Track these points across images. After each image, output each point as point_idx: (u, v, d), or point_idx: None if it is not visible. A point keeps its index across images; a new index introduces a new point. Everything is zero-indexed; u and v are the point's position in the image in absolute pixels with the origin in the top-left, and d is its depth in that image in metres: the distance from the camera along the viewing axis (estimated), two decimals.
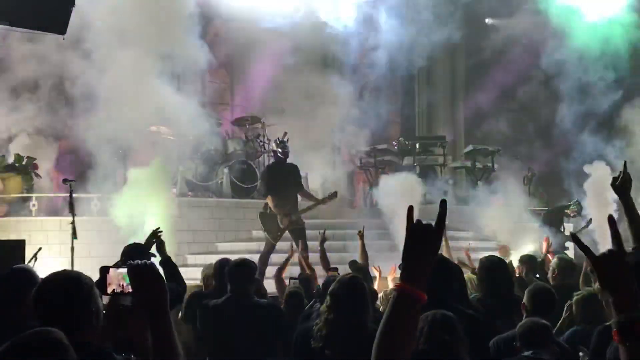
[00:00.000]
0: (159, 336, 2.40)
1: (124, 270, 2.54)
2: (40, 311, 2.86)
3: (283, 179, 11.20)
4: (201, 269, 7.81)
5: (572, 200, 13.89)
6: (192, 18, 12.82)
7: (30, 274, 4.22)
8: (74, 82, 12.57)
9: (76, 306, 2.80)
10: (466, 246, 9.32)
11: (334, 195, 11.43)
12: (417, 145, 17.58)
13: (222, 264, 6.43)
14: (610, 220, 2.17)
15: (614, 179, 4.22)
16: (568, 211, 13.78)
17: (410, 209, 2.13)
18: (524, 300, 4.73)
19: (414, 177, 14.32)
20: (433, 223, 2.13)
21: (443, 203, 2.14)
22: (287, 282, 7.88)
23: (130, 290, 2.49)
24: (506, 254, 10.59)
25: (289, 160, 11.71)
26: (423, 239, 2.11)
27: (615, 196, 4.23)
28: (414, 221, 2.12)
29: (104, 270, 2.60)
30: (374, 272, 8.92)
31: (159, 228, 6.20)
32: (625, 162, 4.34)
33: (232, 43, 16.54)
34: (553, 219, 13.73)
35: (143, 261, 2.48)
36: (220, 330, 5.55)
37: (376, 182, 17.62)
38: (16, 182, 12.73)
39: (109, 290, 2.62)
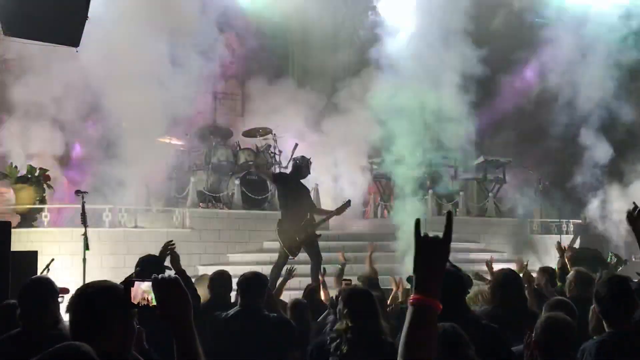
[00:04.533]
0: (184, 349, 2.42)
1: (148, 283, 2.55)
2: (72, 320, 2.85)
3: (299, 194, 11.20)
4: None
5: (609, 254, 13.18)
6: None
7: (50, 283, 4.32)
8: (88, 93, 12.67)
9: (108, 316, 2.78)
10: (489, 258, 9.29)
11: (347, 204, 11.39)
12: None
13: (216, 276, 6.50)
14: None
15: (630, 213, 4.23)
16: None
17: (417, 222, 2.18)
18: (535, 335, 4.13)
19: None
20: (440, 235, 2.19)
21: (449, 214, 2.20)
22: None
23: (155, 304, 2.51)
24: (521, 268, 10.55)
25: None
26: (431, 251, 2.17)
27: None
28: (421, 234, 2.18)
29: (128, 284, 2.60)
30: (392, 284, 8.93)
31: (171, 241, 6.22)
32: None
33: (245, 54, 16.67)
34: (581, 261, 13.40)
35: (168, 275, 2.50)
36: (230, 344, 5.52)
37: (387, 193, 17.67)
38: (28, 193, 12.78)
39: (134, 303, 2.63)
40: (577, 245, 16.08)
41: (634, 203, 4.27)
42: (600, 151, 16.80)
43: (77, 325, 2.73)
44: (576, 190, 16.66)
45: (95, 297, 2.76)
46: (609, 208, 16.05)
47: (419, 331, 2.12)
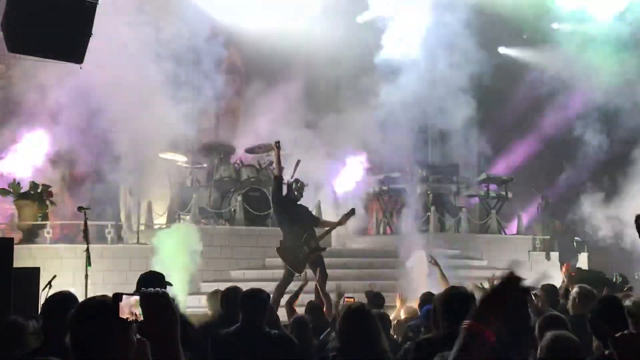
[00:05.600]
0: None
1: (137, 297, 2.52)
2: (74, 335, 2.83)
3: (297, 214, 11.11)
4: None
5: (613, 276, 12.86)
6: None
7: (76, 301, 4.28)
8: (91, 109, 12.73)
9: (108, 332, 2.76)
10: (491, 276, 9.28)
11: (351, 212, 11.28)
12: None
13: (229, 292, 6.45)
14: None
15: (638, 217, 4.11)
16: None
17: (515, 264, 2.29)
18: (540, 353, 4.22)
19: None
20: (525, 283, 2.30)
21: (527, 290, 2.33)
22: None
23: (142, 318, 2.47)
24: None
25: None
26: (513, 292, 2.28)
27: None
28: (517, 276, 2.28)
29: (117, 298, 2.57)
30: (397, 302, 8.92)
31: None
32: None
33: (247, 71, 16.72)
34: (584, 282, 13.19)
35: (156, 289, 2.46)
36: None
37: (389, 210, 17.68)
38: (31, 210, 12.80)
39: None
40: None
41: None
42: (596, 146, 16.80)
43: (77, 340, 2.72)
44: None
45: (94, 312, 2.75)
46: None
47: (466, 357, 2.19)
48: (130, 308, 2.53)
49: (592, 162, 17.06)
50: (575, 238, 16.82)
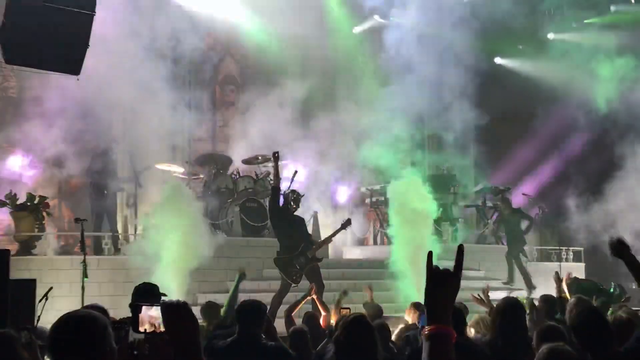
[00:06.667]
0: None
1: (156, 308, 2.52)
2: (54, 351, 2.83)
3: (294, 223, 11.12)
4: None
5: (611, 287, 12.70)
6: None
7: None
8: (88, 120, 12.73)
9: (90, 347, 2.77)
10: (485, 286, 9.28)
11: (347, 223, 11.31)
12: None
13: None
14: None
15: (613, 244, 4.20)
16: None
17: (430, 255, 2.24)
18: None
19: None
20: (451, 268, 2.24)
21: (460, 248, 2.24)
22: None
23: (163, 329, 2.47)
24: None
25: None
26: (443, 283, 2.22)
27: None
28: (433, 266, 2.23)
29: (136, 309, 2.57)
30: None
31: None
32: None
33: (242, 82, 16.73)
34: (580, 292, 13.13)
35: (176, 299, 2.47)
36: None
37: (387, 220, 17.67)
38: (28, 221, 12.76)
39: (141, 329, 2.60)
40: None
41: (614, 237, 4.23)
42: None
43: (61, 357, 2.73)
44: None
45: (77, 328, 2.76)
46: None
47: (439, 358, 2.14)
48: (150, 319, 2.53)
49: (583, 165, 17.16)
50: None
